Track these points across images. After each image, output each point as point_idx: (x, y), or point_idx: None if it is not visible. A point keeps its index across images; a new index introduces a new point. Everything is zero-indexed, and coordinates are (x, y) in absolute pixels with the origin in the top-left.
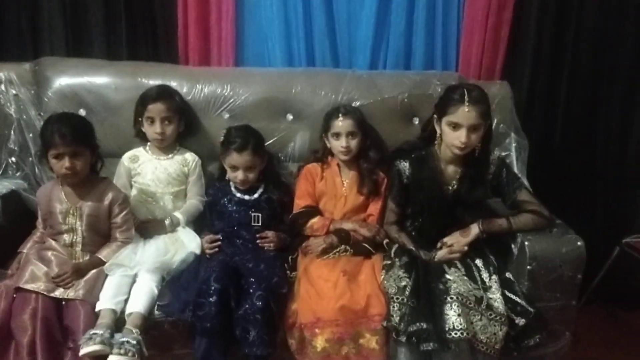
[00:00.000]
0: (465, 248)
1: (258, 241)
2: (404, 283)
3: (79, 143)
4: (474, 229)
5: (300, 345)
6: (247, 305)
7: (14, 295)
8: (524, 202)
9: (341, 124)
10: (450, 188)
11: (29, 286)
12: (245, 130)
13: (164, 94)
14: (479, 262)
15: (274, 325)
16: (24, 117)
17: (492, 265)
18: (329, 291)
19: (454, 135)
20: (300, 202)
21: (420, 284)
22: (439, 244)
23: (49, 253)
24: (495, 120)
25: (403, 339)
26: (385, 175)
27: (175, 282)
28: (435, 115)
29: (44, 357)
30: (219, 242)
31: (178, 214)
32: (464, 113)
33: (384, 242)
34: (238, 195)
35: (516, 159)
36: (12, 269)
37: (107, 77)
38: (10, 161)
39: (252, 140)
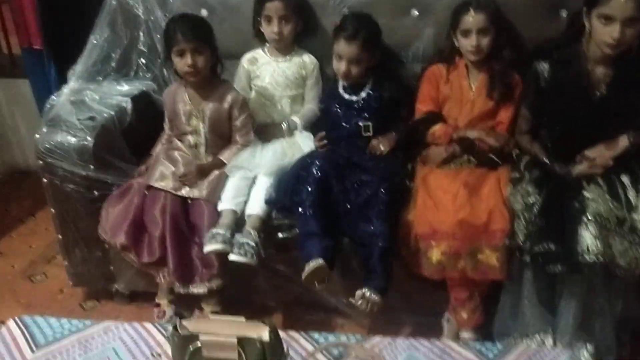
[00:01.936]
0: (610, 163)
1: (369, 153)
2: (532, 199)
3: (200, 40)
4: (623, 141)
5: (415, 256)
6: (370, 199)
7: (146, 192)
8: None
9: (472, 19)
10: (597, 93)
11: (158, 184)
12: (360, 20)
13: None
14: (625, 178)
15: (395, 220)
16: (152, 18)
17: None
18: (448, 203)
19: (605, 31)
20: (421, 107)
21: (551, 202)
22: (578, 157)
23: (176, 153)
24: None
25: (527, 258)
26: (521, 79)
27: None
28: (584, 7)
29: (173, 249)
30: (325, 142)
31: (295, 118)
32: (619, 3)
33: (514, 153)
34: (345, 96)
35: None
36: (142, 168)
37: None
38: (140, 62)
39: (363, 32)
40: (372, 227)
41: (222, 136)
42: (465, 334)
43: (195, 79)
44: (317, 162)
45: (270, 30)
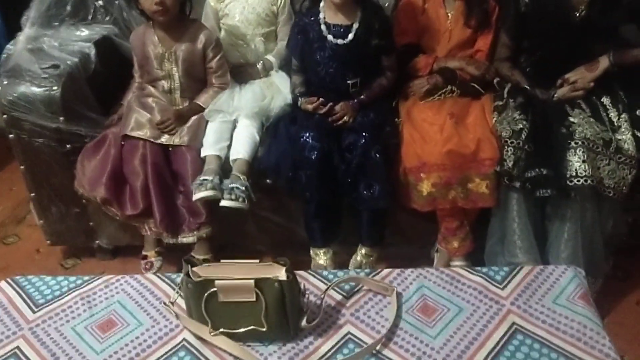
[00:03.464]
0: (591, 84)
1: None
2: (520, 126)
3: None
4: (603, 62)
5: (405, 190)
6: (365, 162)
7: (122, 143)
8: None
9: None
10: (577, 14)
11: (135, 133)
12: None
13: None
14: (606, 99)
15: (391, 177)
16: None
17: (621, 103)
18: (435, 135)
19: None
20: (400, 40)
21: (538, 127)
22: (559, 81)
23: (150, 100)
24: None
25: (517, 184)
26: (497, 4)
27: (273, 134)
28: None
29: (158, 199)
30: (319, 102)
31: (270, 57)
32: None
33: (495, 80)
34: (329, 37)
35: None
36: (114, 118)
37: None
38: (97, 5)
39: None
40: (371, 191)
41: (197, 79)
42: (457, 262)
43: (164, 18)
44: (310, 143)
45: None
